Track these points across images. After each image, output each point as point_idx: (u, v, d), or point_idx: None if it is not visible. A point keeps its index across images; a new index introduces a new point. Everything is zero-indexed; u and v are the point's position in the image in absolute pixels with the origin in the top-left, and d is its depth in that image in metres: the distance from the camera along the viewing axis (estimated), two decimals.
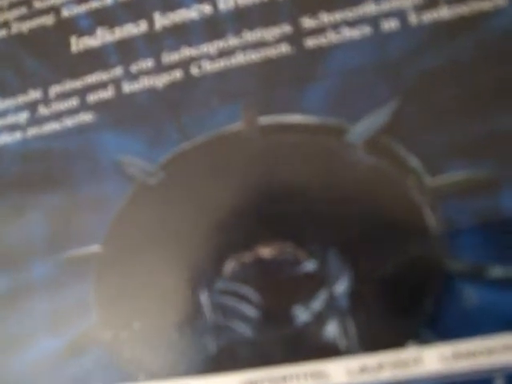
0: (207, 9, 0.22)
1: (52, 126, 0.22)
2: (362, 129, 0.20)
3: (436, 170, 0.19)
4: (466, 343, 0.18)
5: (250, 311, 0.20)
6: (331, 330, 0.19)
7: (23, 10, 0.24)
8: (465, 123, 0.19)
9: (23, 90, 0.23)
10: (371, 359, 0.19)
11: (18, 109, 0.23)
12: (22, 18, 0.23)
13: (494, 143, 0.19)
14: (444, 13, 0.20)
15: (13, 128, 0.23)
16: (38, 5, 0.23)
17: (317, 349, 0.19)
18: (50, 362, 0.21)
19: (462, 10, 0.20)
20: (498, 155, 0.19)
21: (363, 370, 0.19)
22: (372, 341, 0.19)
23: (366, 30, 0.20)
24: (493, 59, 0.19)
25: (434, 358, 0.18)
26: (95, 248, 0.21)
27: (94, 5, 0.23)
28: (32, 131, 0.23)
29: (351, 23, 0.20)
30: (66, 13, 0.23)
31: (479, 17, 0.19)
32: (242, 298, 0.20)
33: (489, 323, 0.18)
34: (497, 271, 0.18)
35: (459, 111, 0.19)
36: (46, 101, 0.22)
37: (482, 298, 0.18)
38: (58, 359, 0.21)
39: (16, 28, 0.24)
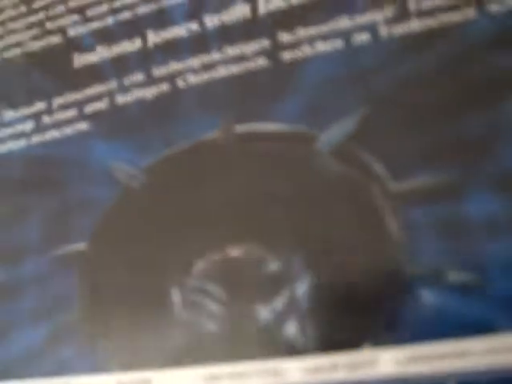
0: (195, 26, 0.23)
1: (53, 134, 0.24)
2: (330, 136, 0.20)
3: (401, 176, 0.19)
4: (422, 347, 0.18)
5: (216, 308, 0.20)
6: (290, 329, 0.19)
7: (36, 31, 0.26)
8: (430, 130, 0.19)
9: (30, 102, 0.25)
10: (326, 359, 0.19)
11: (25, 119, 0.25)
12: (34, 38, 0.26)
13: (458, 149, 0.19)
14: (414, 25, 0.20)
15: (19, 136, 0.25)
16: (49, 26, 0.26)
17: (276, 347, 0.19)
18: (34, 352, 0.22)
19: (432, 22, 0.20)
20: (462, 161, 0.19)
21: (318, 369, 0.19)
22: (328, 341, 0.19)
23: (339, 43, 0.21)
24: (459, 69, 0.19)
25: (388, 360, 0.18)
26: (81, 246, 0.23)
27: (97, 25, 0.25)
28: (36, 139, 0.24)
29: (325, 37, 0.21)
30: (72, 32, 0.25)
31: (448, 29, 0.20)
32: (209, 295, 0.20)
33: (445, 328, 0.18)
34: (455, 276, 0.18)
35: (425, 119, 0.19)
36: (49, 111, 0.24)
37: (439, 302, 0.18)
38: (42, 349, 0.22)
39: (28, 47, 0.26)
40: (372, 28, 0.21)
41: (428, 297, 0.18)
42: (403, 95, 0.20)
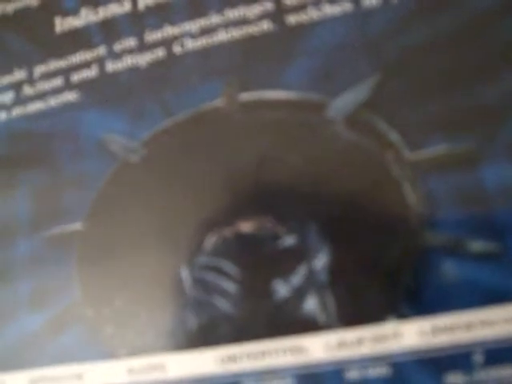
0: None
1: (36, 106, 0.22)
2: (342, 104, 0.20)
3: (416, 145, 0.19)
4: (445, 318, 0.18)
5: (230, 286, 0.19)
6: (310, 304, 0.19)
7: None
8: (445, 98, 0.19)
9: (8, 71, 0.23)
10: (350, 334, 0.18)
11: (4, 89, 0.23)
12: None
13: (473, 118, 0.19)
14: None
15: None
16: None
17: (296, 324, 0.19)
18: (33, 338, 0.21)
19: None
20: (478, 129, 0.18)
21: (342, 344, 0.18)
22: (351, 315, 0.18)
23: (347, 6, 0.20)
24: (473, 35, 0.19)
25: (413, 332, 0.18)
26: (77, 226, 0.21)
27: None
28: (17, 111, 0.23)
29: (332, 0, 0.20)
30: None
31: None
32: (222, 273, 0.20)
33: (468, 298, 0.18)
34: (476, 245, 0.18)
35: (439, 86, 0.19)
36: (30, 81, 0.23)
37: (461, 272, 0.18)
38: (41, 335, 0.21)
39: (0, 9, 0.24)
40: None
41: (449, 266, 0.18)
42: (416, 61, 0.19)
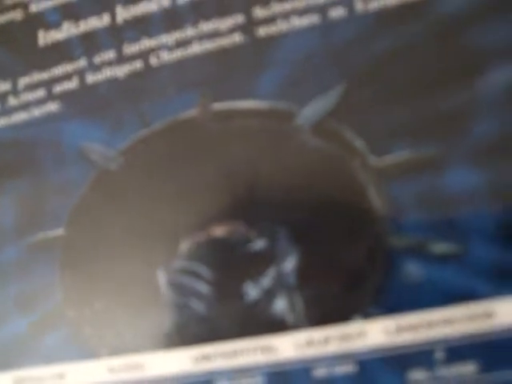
0: (166, 1, 0.22)
1: (21, 116, 0.23)
2: (310, 113, 0.20)
3: (381, 151, 0.19)
4: (409, 317, 0.18)
5: (204, 289, 0.20)
6: (280, 305, 0.19)
7: None
8: (408, 106, 0.19)
9: None
10: (318, 333, 0.19)
11: None
12: None
13: (436, 124, 0.19)
14: (389, 0, 0.20)
15: None
16: (7, 0, 0.24)
17: (266, 324, 0.19)
18: (18, 340, 0.21)
19: None
20: (441, 136, 0.19)
21: (310, 343, 0.19)
22: (318, 316, 0.19)
23: (314, 18, 0.20)
24: (434, 45, 0.19)
25: (377, 331, 0.18)
26: (59, 231, 0.22)
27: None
28: (2, 121, 0.23)
29: (300, 12, 0.21)
30: (33, 8, 0.23)
31: (422, 3, 0.20)
32: (197, 276, 0.20)
33: (430, 297, 0.18)
34: (439, 247, 0.18)
35: (403, 94, 0.19)
36: (15, 92, 0.23)
37: (424, 273, 0.18)
38: (26, 337, 0.21)
39: None
40: (348, 2, 0.20)
41: (413, 268, 0.18)
42: (380, 70, 0.20)
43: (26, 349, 0.21)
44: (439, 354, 0.18)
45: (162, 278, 0.20)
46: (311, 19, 0.20)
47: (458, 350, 0.18)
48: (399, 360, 0.18)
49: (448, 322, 0.18)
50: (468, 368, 0.18)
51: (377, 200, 0.19)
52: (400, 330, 0.18)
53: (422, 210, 0.19)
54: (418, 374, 0.18)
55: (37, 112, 0.23)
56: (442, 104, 0.19)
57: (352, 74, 0.20)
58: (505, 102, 0.18)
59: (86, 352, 0.21)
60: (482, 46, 0.19)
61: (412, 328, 0.18)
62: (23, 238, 0.22)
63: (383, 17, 0.20)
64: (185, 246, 0.20)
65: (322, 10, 0.20)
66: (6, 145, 0.23)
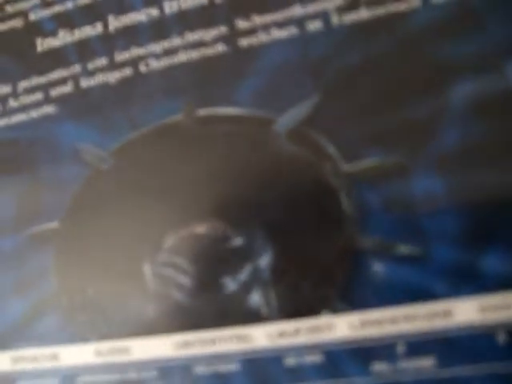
0: (154, 12, 0.21)
1: (20, 117, 0.22)
2: (287, 120, 0.19)
3: (352, 157, 0.19)
4: (373, 313, 0.18)
5: (185, 281, 0.20)
6: (255, 298, 0.19)
7: None
8: (378, 115, 0.19)
9: None
10: (289, 325, 0.19)
11: None
12: None
13: (404, 133, 0.18)
14: (363, 14, 0.19)
15: None
16: (9, 9, 0.23)
17: (242, 315, 0.19)
18: (16, 323, 0.21)
19: (380, 11, 0.19)
20: (408, 142, 0.18)
21: (282, 334, 0.19)
22: (290, 309, 0.19)
23: (293, 30, 0.20)
24: (403, 57, 0.19)
25: (344, 325, 0.18)
26: (54, 224, 0.21)
27: (57, 9, 0.22)
28: (2, 122, 0.23)
29: (280, 24, 0.20)
30: (32, 16, 0.23)
31: (395, 17, 0.19)
32: (179, 268, 0.20)
33: (393, 295, 0.18)
34: (403, 249, 0.18)
35: (373, 104, 0.19)
36: (15, 95, 0.23)
37: (388, 272, 0.18)
38: (22, 321, 0.21)
39: None
40: (324, 16, 0.20)
41: (378, 267, 0.18)
42: (353, 81, 0.19)
43: (22, 331, 0.21)
44: (400, 348, 0.18)
45: (147, 269, 0.20)
46: (290, 31, 0.20)
47: (417, 345, 0.17)
48: (363, 352, 0.18)
49: (409, 318, 0.17)
50: (427, 362, 0.17)
51: (347, 203, 0.19)
52: (365, 324, 0.18)
53: (389, 214, 0.18)
54: (380, 366, 0.18)
55: (35, 114, 0.22)
56: (410, 114, 0.18)
57: (327, 84, 0.19)
58: (467, 113, 0.18)
59: (77, 336, 0.20)
60: (448, 59, 0.18)
61: (376, 323, 0.18)
62: (22, 229, 0.22)
63: (356, 30, 0.19)
64: (169, 241, 0.20)
65: (300, 22, 0.20)
66: (6, 144, 0.22)
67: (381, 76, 0.19)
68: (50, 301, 0.21)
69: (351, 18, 0.19)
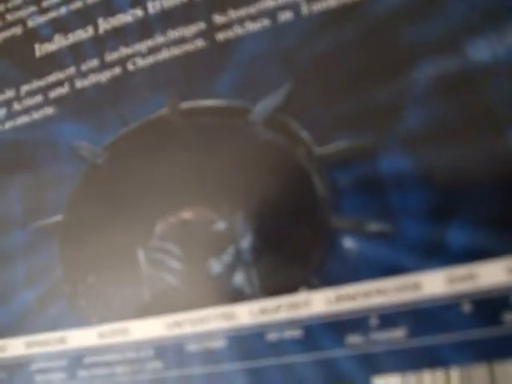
0: (139, 12, 0.24)
1: (23, 119, 0.25)
2: (262, 109, 0.21)
3: (323, 141, 0.20)
4: (347, 288, 0.19)
5: (175, 264, 0.22)
6: (239, 279, 0.21)
7: None
8: (348, 99, 0.20)
9: (1, 91, 0.26)
10: (270, 302, 0.20)
11: None
12: None
13: (372, 116, 0.20)
14: (331, 2, 0.21)
15: None
16: (9, 18, 0.26)
17: (227, 295, 0.21)
18: (30, 310, 0.24)
19: None
20: (376, 126, 0.20)
21: (263, 311, 0.21)
22: (271, 287, 0.21)
23: (266, 22, 0.22)
24: (370, 43, 0.20)
25: (320, 300, 0.20)
26: (58, 218, 0.24)
27: (52, 14, 0.25)
28: (8, 124, 0.26)
29: (253, 17, 0.22)
30: (30, 23, 0.26)
31: (359, 4, 0.20)
32: (169, 253, 0.22)
33: (366, 271, 0.19)
34: (373, 226, 0.19)
35: (343, 89, 0.20)
36: (18, 98, 0.25)
37: (360, 249, 0.20)
38: (33, 308, 0.24)
39: None
40: (295, 6, 0.21)
41: (351, 245, 0.20)
42: (322, 68, 0.21)
43: (33, 318, 0.24)
44: (373, 321, 0.19)
45: (141, 255, 0.23)
46: (263, 23, 0.22)
47: (389, 317, 0.19)
48: (338, 326, 0.20)
49: (381, 292, 0.19)
50: (398, 333, 0.19)
51: (320, 185, 0.20)
52: (339, 299, 0.20)
53: (359, 194, 0.20)
54: (354, 339, 0.19)
55: (36, 115, 0.25)
56: (377, 97, 0.20)
57: (298, 72, 0.21)
58: (430, 93, 0.19)
59: (81, 320, 0.23)
60: (411, 42, 0.20)
61: (349, 298, 0.19)
62: (29, 223, 0.25)
63: (325, 18, 0.21)
64: (159, 227, 0.22)
65: (272, 14, 0.22)
66: (12, 144, 0.25)
67: (348, 62, 0.21)
68: (56, 288, 0.24)
69: (320, 6, 0.21)
